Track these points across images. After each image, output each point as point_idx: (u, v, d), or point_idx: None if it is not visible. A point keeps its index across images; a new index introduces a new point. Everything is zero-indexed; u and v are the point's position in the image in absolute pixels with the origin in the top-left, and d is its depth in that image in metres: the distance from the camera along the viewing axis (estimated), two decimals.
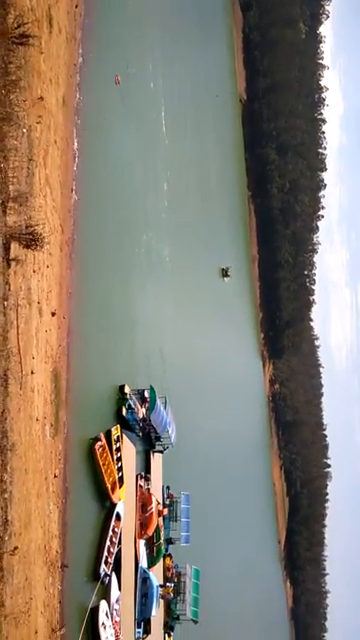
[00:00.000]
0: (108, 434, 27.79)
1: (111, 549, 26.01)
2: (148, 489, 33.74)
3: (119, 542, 27.31)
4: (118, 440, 28.61)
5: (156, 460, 37.38)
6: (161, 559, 35.92)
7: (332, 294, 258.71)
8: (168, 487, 39.97)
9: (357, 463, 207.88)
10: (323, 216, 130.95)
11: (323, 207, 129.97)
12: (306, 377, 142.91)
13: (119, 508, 27.42)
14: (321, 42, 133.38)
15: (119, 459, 28.29)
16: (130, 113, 40.34)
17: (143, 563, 31.47)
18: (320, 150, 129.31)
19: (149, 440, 36.32)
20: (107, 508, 27.06)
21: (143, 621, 31.11)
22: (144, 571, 31.27)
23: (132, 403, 31.31)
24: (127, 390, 31.02)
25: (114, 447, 27.91)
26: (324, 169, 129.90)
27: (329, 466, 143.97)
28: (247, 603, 73.22)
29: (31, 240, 18.55)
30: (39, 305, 21.00)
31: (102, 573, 24.93)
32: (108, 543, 25.73)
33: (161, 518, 35.84)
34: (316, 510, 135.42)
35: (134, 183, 40.10)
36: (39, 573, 19.38)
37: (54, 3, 24.87)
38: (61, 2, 26.11)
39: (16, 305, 18.63)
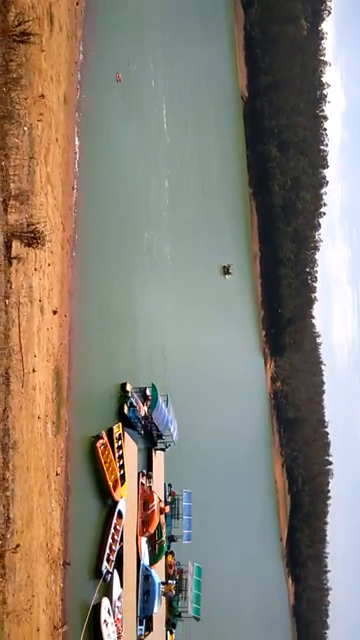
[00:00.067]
0: (110, 432, 27.82)
1: (113, 547, 26.05)
2: (150, 487, 33.79)
3: (121, 540, 27.34)
4: (120, 438, 28.63)
5: (158, 458, 37.42)
6: (163, 556, 35.98)
7: (334, 291, 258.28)
8: (170, 485, 40.01)
9: (359, 460, 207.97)
10: (325, 213, 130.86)
11: (325, 204, 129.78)
12: (308, 374, 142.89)
13: (121, 506, 27.46)
14: (323, 39, 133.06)
15: (121, 457, 28.32)
16: (131, 111, 40.28)
17: (145, 560, 31.53)
18: (322, 147, 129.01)
19: (151, 438, 36.36)
20: (109, 506, 27.11)
21: (145, 618, 31.19)
22: (146, 568, 31.33)
23: (134, 401, 31.34)
24: (129, 388, 31.04)
25: (116, 445, 27.94)
26: (326, 166, 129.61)
27: (331, 463, 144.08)
28: (249, 600, 73.37)
29: (32, 238, 18.56)
30: (41, 303, 21.02)
31: (104, 570, 24.99)
32: (110, 541, 25.78)
33: (163, 516, 35.89)
34: (318, 507, 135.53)
35: (135, 181, 40.06)
36: (41, 571, 19.43)
37: (55, 1, 24.83)
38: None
39: (18, 303, 18.64)
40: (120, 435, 28.73)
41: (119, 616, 26.24)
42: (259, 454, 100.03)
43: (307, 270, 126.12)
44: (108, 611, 24.74)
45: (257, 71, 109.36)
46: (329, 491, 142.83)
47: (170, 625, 38.39)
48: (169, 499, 39.55)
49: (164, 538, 35.26)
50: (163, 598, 35.13)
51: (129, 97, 39.50)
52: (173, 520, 40.13)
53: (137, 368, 35.22)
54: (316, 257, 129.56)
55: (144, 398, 33.46)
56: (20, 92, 19.02)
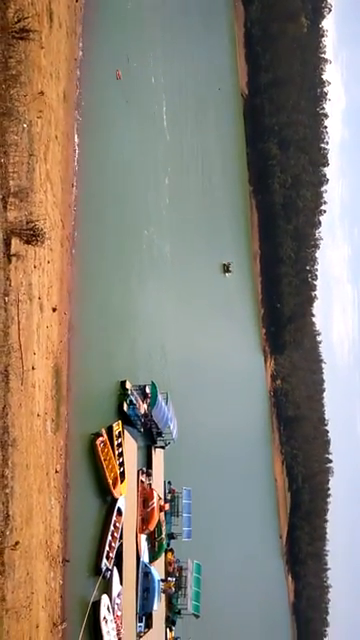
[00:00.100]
0: (109, 430, 27.84)
1: (112, 544, 26.10)
2: (149, 484, 33.81)
3: (120, 537, 27.38)
4: (119, 436, 28.65)
5: (157, 455, 37.45)
6: (163, 554, 36.04)
7: (334, 289, 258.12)
8: (170, 482, 40.06)
9: (359, 458, 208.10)
10: (325, 211, 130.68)
11: (325, 202, 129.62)
12: (308, 372, 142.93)
13: (120, 503, 27.50)
14: (323, 36, 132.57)
15: (120, 454, 28.35)
16: (131, 108, 40.20)
17: (144, 558, 31.58)
18: (322, 145, 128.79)
19: (151, 435, 36.39)
20: (108, 503, 27.13)
21: (145, 615, 31.25)
22: (145, 566, 31.38)
23: (133, 399, 31.35)
24: (128, 386, 31.05)
25: (115, 442, 27.96)
26: (326, 164, 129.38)
27: (331, 461, 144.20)
28: (249, 598, 73.49)
29: (32, 236, 18.53)
30: (40, 301, 21.00)
31: (103, 568, 25.02)
32: (109, 538, 25.82)
33: (162, 513, 35.94)
34: (318, 505, 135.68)
35: (135, 178, 40.01)
36: (40, 568, 19.46)
37: None
38: None
39: (17, 301, 18.63)
40: (120, 433, 28.75)
41: (118, 613, 26.29)
42: (259, 452, 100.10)
43: (307, 268, 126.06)
44: (108, 608, 24.79)
45: (257, 68, 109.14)
46: (329, 489, 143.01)
47: (170, 622, 38.48)
48: (169, 497, 39.60)
49: (164, 535, 35.31)
50: (163, 595, 35.21)
51: (129, 94, 39.42)
52: (173, 518, 40.21)
53: (137, 366, 35.22)
54: (316, 255, 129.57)
55: (144, 396, 33.47)
56: (19, 89, 18.97)
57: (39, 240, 18.80)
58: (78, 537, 23.49)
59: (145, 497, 32.53)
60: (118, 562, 27.28)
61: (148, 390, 33.92)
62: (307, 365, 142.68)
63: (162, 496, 37.06)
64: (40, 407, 20.35)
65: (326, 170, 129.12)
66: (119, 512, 27.22)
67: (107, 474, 26.39)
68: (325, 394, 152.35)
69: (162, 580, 34.84)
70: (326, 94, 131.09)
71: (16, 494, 17.63)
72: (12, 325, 18.25)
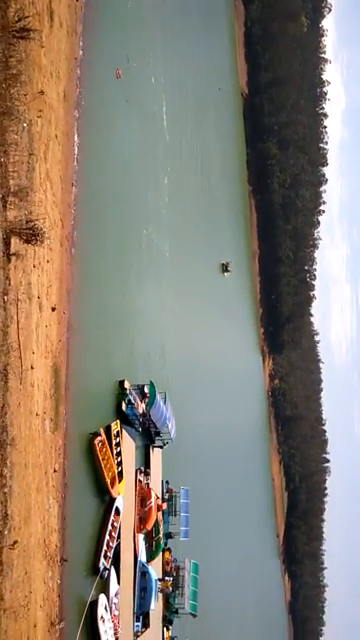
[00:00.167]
0: (108, 429, 27.86)
1: (110, 543, 26.13)
2: (147, 484, 33.85)
3: (118, 536, 27.43)
4: (118, 435, 28.68)
5: (156, 455, 37.48)
6: (160, 553, 36.09)
7: (332, 289, 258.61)
8: (167, 482, 40.09)
9: (356, 458, 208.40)
10: (324, 211, 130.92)
11: (324, 202, 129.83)
12: (306, 372, 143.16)
13: (118, 502, 27.53)
14: (323, 36, 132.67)
15: (119, 454, 28.38)
16: (131, 107, 40.18)
17: (142, 557, 31.62)
18: (321, 145, 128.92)
19: (149, 435, 36.40)
20: (106, 502, 27.16)
21: (142, 615, 31.28)
22: (143, 565, 31.42)
23: (132, 398, 31.37)
24: (127, 385, 31.07)
25: (114, 442, 27.99)
26: (325, 164, 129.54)
27: (328, 461, 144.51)
28: (246, 597, 73.63)
29: (31, 235, 18.53)
30: (39, 300, 21.00)
31: (101, 567, 25.06)
32: (107, 537, 25.85)
33: (160, 512, 35.97)
34: (315, 505, 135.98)
35: (135, 178, 40.01)
36: (38, 567, 19.48)
37: None
38: None
39: (16, 300, 18.63)
40: (118, 432, 28.78)
41: (116, 612, 26.33)
42: (257, 452, 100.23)
43: (306, 268, 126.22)
44: (105, 607, 24.83)
45: (257, 68, 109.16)
46: (326, 488, 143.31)
47: (167, 621, 38.53)
48: (166, 496, 39.63)
49: (161, 535, 35.35)
50: (160, 595, 35.24)
51: (129, 93, 39.40)
52: (170, 517, 40.24)
53: (135, 365, 35.25)
54: (315, 255, 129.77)
55: (142, 395, 33.50)
56: (20, 88, 18.95)
57: (39, 239, 18.79)
58: (76, 536, 23.52)
59: (143, 496, 32.56)
60: (116, 561, 27.31)
61: (146, 390, 33.95)
62: (305, 365, 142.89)
63: (160, 495, 37.10)
64: (39, 406, 20.36)
65: (325, 170, 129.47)
66: (117, 511, 27.25)
67: (105, 473, 26.42)
68: (323, 394, 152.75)
69: (159, 579, 34.86)
70: (326, 94, 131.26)
71: (14, 493, 17.64)
72: (11, 324, 18.25)
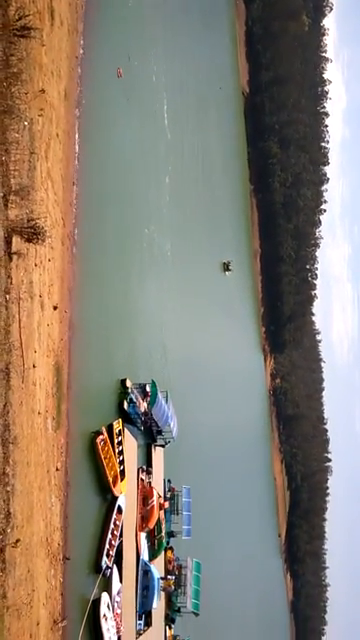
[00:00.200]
0: (110, 428, 27.87)
1: (112, 542, 26.15)
2: (149, 482, 33.86)
3: (120, 535, 27.44)
4: (120, 434, 28.69)
5: (157, 454, 37.50)
6: (162, 552, 36.10)
7: (334, 288, 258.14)
8: (169, 480, 40.12)
9: (358, 457, 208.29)
10: (325, 210, 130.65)
11: (325, 201, 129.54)
12: (307, 371, 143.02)
13: (120, 501, 27.55)
14: (324, 35, 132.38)
15: (121, 453, 28.39)
16: (132, 106, 40.19)
17: (144, 556, 31.64)
18: (323, 144, 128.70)
19: (151, 434, 36.42)
20: (108, 501, 27.18)
21: (144, 613, 31.31)
22: (145, 564, 31.44)
23: (134, 397, 31.38)
24: (129, 384, 31.08)
25: (116, 441, 28.00)
26: (327, 163, 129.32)
27: (330, 460, 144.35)
28: (248, 596, 73.64)
29: (33, 234, 18.54)
30: (41, 299, 21.02)
31: (104, 565, 25.08)
32: (109, 536, 25.87)
33: (162, 511, 35.98)
34: (316, 504, 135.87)
35: (136, 177, 40.00)
36: (41, 565, 19.50)
37: None
38: None
39: (18, 299, 18.64)
40: (120, 431, 28.79)
41: (118, 611, 26.35)
42: (258, 451, 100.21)
43: (307, 267, 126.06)
44: (107, 606, 24.85)
45: (258, 67, 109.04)
46: (328, 488, 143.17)
47: (169, 620, 38.56)
48: (168, 495, 39.66)
49: (163, 534, 35.38)
50: (162, 593, 35.27)
51: (130, 92, 39.40)
52: (172, 516, 40.27)
53: (137, 364, 35.27)
54: (316, 254, 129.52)
55: (144, 394, 33.51)
56: (21, 87, 18.96)
57: (40, 238, 18.80)
58: (78, 535, 23.55)
59: (145, 495, 32.58)
60: (118, 560, 27.34)
61: (148, 388, 33.96)
62: (306, 364, 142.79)
63: (162, 494, 37.11)
64: (41, 405, 20.38)
65: (326, 169, 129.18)
66: (119, 510, 27.27)
67: (107, 472, 26.43)
68: (324, 393, 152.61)
69: (162, 578, 34.90)
70: (327, 93, 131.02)
71: (17, 492, 17.66)
72: (13, 323, 18.27)
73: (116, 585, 26.36)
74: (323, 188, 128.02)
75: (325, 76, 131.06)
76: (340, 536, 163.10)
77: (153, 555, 33.52)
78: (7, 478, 17.10)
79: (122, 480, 27.96)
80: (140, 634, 30.53)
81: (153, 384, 34.21)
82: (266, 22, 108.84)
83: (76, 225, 26.44)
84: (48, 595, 20.04)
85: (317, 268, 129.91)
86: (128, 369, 32.41)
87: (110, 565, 25.76)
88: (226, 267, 74.99)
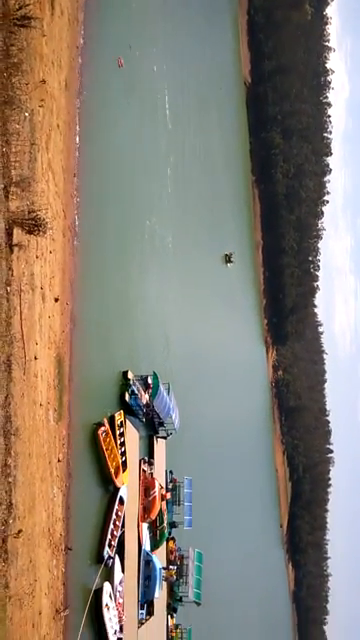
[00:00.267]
0: (112, 419, 27.95)
1: (114, 532, 26.30)
2: (151, 473, 34.01)
3: (122, 525, 27.59)
4: (121, 425, 28.77)
5: (159, 445, 37.63)
6: (164, 542, 36.33)
7: (336, 280, 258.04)
8: (171, 472, 40.28)
9: (359, 449, 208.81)
10: (328, 201, 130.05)
11: (328, 192, 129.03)
12: (309, 363, 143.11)
13: (122, 492, 27.68)
14: (327, 24, 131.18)
15: (122, 444, 28.48)
16: (133, 97, 39.90)
17: (146, 546, 31.84)
18: (325, 134, 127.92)
19: (152, 426, 36.53)
20: (110, 492, 27.31)
21: (146, 603, 31.57)
22: (147, 554, 31.65)
23: (135, 389, 31.44)
24: (130, 376, 31.12)
25: (117, 432, 28.07)
26: (329, 154, 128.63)
27: (331, 451, 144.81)
28: (249, 586, 74.13)
29: (34, 225, 18.48)
30: (42, 291, 21.00)
31: (106, 556, 25.24)
32: (111, 526, 26.02)
33: (164, 502, 36.16)
34: (318, 495, 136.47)
35: (137, 168, 39.80)
36: (43, 555, 19.63)
37: None
38: None
39: (19, 291, 18.62)
40: (122, 422, 28.86)
41: (120, 600, 26.56)
42: (260, 442, 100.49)
43: (310, 259, 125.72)
44: (110, 595, 25.04)
45: (260, 56, 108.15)
46: (330, 479, 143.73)
47: (171, 609, 38.88)
48: (170, 486, 39.84)
49: (165, 524, 35.60)
50: (164, 583, 35.53)
51: (131, 82, 39.11)
52: (174, 507, 40.50)
53: (139, 356, 35.29)
54: (319, 246, 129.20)
55: (146, 386, 33.57)
56: (21, 77, 18.83)
57: (41, 230, 18.74)
58: (80, 525, 23.68)
59: (147, 486, 32.74)
60: (120, 550, 27.52)
61: (150, 380, 34.01)
62: (309, 356, 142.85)
63: (164, 485, 37.28)
64: (42, 397, 20.43)
65: (329, 160, 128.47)
66: (121, 501, 27.40)
67: (109, 463, 26.53)
68: (326, 385, 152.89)
69: (163, 568, 35.13)
70: (330, 83, 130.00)
71: (19, 483, 17.75)
72: (14, 315, 18.27)
73: (118, 575, 26.54)
74: (326, 179, 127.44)
75: (328, 66, 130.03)
76: (342, 527, 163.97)
77: (155, 545, 33.74)
78: (9, 469, 17.17)
79: (124, 471, 28.07)
80: (142, 623, 30.80)
81: (155, 376, 34.24)
82: (268, 11, 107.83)
83: (77, 217, 26.36)
84: (50, 585, 20.19)
85: (319, 260, 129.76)
86: (130, 361, 32.43)
87: (112, 555, 25.92)
88: (228, 259, 74.82)
